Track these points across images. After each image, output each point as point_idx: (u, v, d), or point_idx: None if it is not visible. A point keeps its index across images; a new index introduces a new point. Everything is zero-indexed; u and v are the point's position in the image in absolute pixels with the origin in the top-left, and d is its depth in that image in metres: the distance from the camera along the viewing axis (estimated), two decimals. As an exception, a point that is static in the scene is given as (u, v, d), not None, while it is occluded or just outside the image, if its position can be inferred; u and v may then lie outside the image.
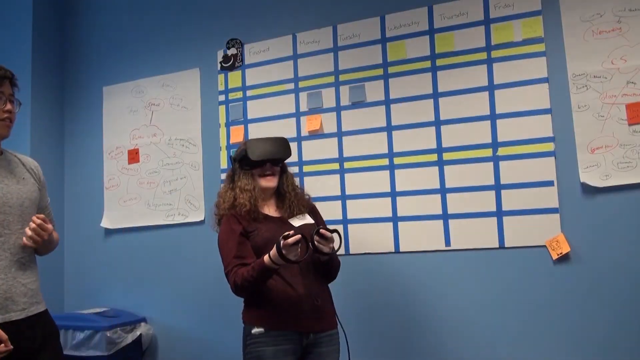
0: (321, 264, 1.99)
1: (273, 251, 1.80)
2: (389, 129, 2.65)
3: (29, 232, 1.69)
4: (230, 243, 1.95)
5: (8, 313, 1.67)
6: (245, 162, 2.04)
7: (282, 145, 2.10)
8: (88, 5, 3.47)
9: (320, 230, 1.85)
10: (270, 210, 2.09)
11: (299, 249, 1.79)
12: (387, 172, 2.64)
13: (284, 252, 1.76)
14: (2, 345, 1.60)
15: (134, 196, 3.19)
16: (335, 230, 1.90)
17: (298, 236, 1.77)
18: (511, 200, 2.41)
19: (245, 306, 2.03)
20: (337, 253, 2.02)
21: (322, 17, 2.82)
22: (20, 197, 1.77)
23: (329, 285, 2.10)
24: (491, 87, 2.48)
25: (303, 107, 2.83)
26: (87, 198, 3.33)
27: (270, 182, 2.05)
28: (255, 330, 1.92)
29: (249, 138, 2.10)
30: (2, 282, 1.67)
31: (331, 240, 1.87)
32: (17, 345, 1.67)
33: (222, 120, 3.01)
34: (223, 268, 1.98)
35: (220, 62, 3.04)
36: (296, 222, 2.04)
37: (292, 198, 2.07)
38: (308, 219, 2.08)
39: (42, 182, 1.92)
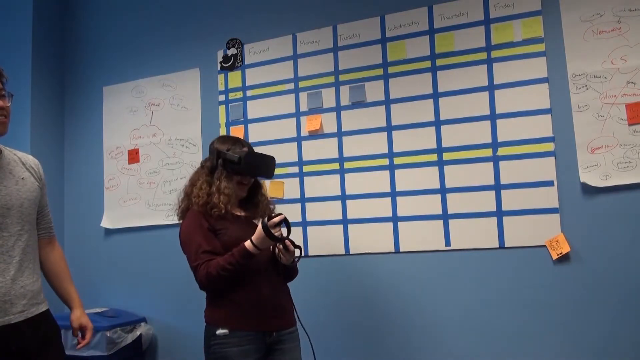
0: (281, 267, 2.04)
1: (256, 234, 1.85)
2: (389, 129, 2.65)
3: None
4: (198, 237, 1.95)
5: (7, 316, 1.66)
6: (232, 167, 2.02)
7: (272, 168, 2.16)
8: (88, 6, 3.47)
9: (286, 241, 1.91)
10: (236, 209, 2.10)
11: (281, 229, 1.86)
12: (387, 172, 2.64)
13: (271, 230, 1.82)
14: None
15: (134, 196, 3.19)
16: (298, 246, 1.96)
17: (282, 216, 1.85)
18: (511, 200, 2.41)
19: (208, 306, 2.01)
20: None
21: (322, 17, 2.82)
22: (19, 198, 1.75)
23: (304, 286, 2.20)
24: (491, 87, 2.48)
25: (303, 107, 2.83)
26: (87, 198, 3.33)
27: (244, 192, 2.11)
28: (219, 331, 1.92)
29: (243, 145, 2.10)
30: (0, 285, 1.66)
31: (292, 254, 1.94)
32: (18, 346, 1.66)
33: (222, 120, 3.01)
34: (189, 260, 1.97)
35: (220, 62, 3.04)
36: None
37: (263, 207, 2.13)
38: None
39: (42, 181, 1.89)
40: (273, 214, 1.90)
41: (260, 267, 1.96)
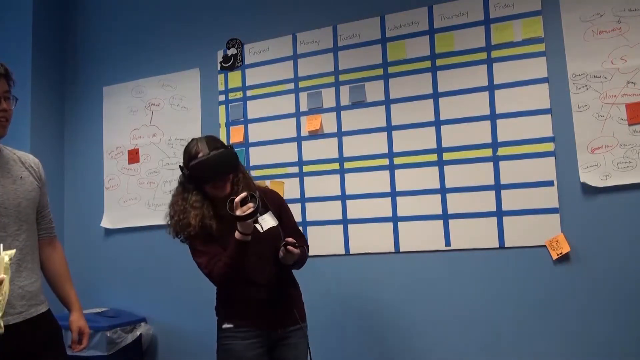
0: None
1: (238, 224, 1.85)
2: (389, 129, 2.65)
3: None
4: (202, 250, 1.98)
5: (6, 317, 1.65)
6: (189, 181, 2.00)
7: (228, 162, 1.98)
8: (88, 6, 3.47)
9: (288, 247, 1.88)
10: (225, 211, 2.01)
11: (249, 207, 1.80)
12: (387, 172, 2.64)
13: (236, 212, 1.80)
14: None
15: (134, 196, 3.19)
16: (302, 245, 1.96)
17: (244, 194, 1.82)
18: (511, 200, 2.41)
19: (217, 302, 2.08)
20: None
21: (322, 17, 2.82)
22: (17, 197, 1.75)
23: (305, 286, 2.15)
24: (491, 87, 2.48)
25: (303, 107, 2.83)
26: (87, 198, 3.33)
27: (221, 192, 1.97)
28: (225, 325, 2.00)
29: (198, 153, 1.97)
30: None
31: (296, 255, 1.92)
32: (18, 347, 1.66)
33: (222, 120, 3.01)
34: (204, 273, 1.97)
35: (220, 62, 3.04)
36: (259, 225, 2.00)
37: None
38: (271, 220, 2.03)
39: (42, 180, 1.88)
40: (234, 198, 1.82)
41: (263, 268, 1.98)
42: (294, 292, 2.11)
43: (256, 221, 1.87)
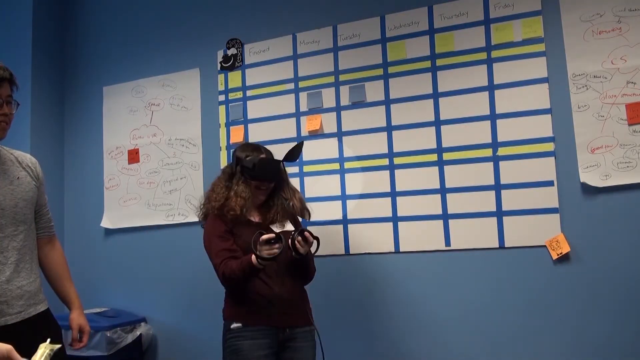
0: (297, 266, 2.09)
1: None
2: (389, 129, 2.65)
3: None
4: (216, 239, 2.07)
5: (4, 317, 1.65)
6: (248, 172, 2.12)
7: (280, 171, 2.20)
8: (88, 5, 3.46)
9: (305, 232, 1.97)
10: (253, 214, 2.19)
11: (274, 248, 1.87)
12: (387, 172, 2.64)
13: (259, 249, 1.86)
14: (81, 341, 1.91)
15: (134, 196, 3.19)
16: (316, 237, 2.01)
17: (272, 235, 1.89)
18: (511, 200, 2.41)
19: (225, 304, 2.12)
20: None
21: (322, 17, 2.82)
22: (13, 198, 1.75)
23: (306, 286, 2.21)
24: (491, 87, 2.48)
25: (303, 107, 2.83)
26: (87, 198, 3.33)
27: (263, 196, 2.18)
28: (234, 325, 2.02)
29: (261, 152, 2.20)
30: None
31: (310, 244, 1.99)
32: (16, 348, 1.66)
33: (222, 120, 3.01)
34: (211, 260, 2.06)
35: (220, 62, 3.04)
36: (277, 228, 2.15)
37: (277, 209, 2.19)
38: (288, 227, 2.18)
39: (40, 179, 1.88)
40: (263, 232, 1.90)
41: (274, 267, 2.02)
42: (303, 294, 2.16)
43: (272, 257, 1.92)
